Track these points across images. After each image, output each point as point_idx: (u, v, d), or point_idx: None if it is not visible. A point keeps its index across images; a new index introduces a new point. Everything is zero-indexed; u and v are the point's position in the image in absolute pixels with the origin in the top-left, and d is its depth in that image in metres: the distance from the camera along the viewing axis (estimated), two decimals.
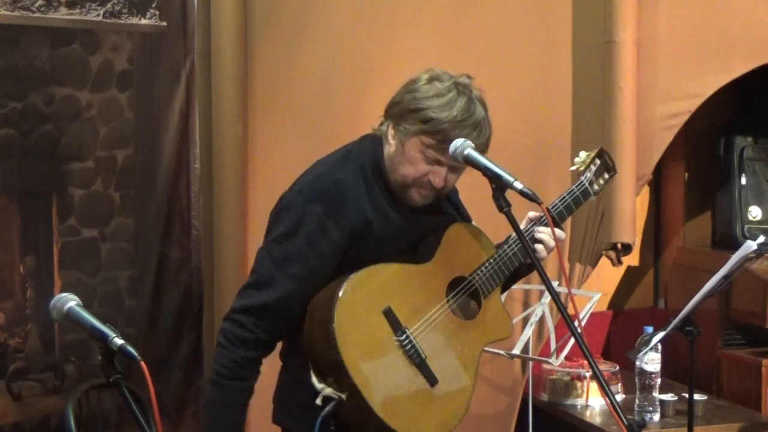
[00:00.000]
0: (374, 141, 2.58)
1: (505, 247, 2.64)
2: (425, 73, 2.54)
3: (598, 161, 2.83)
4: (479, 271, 2.61)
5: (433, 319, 2.54)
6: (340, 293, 2.44)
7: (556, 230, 2.59)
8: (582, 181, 2.79)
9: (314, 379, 2.45)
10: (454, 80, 2.51)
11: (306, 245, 2.47)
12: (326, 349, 2.42)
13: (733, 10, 4.07)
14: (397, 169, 2.52)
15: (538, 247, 2.63)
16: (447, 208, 2.69)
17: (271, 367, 2.62)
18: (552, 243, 2.62)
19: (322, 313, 2.45)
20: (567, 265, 4.02)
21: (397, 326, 2.48)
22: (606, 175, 2.85)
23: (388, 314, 2.48)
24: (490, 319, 2.64)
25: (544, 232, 2.63)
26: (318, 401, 2.42)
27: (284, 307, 2.49)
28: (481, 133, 2.48)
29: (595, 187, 2.82)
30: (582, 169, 2.82)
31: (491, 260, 2.62)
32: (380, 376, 2.45)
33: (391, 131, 2.52)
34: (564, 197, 2.74)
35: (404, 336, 2.48)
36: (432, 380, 2.51)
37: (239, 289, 2.56)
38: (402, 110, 2.50)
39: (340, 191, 2.49)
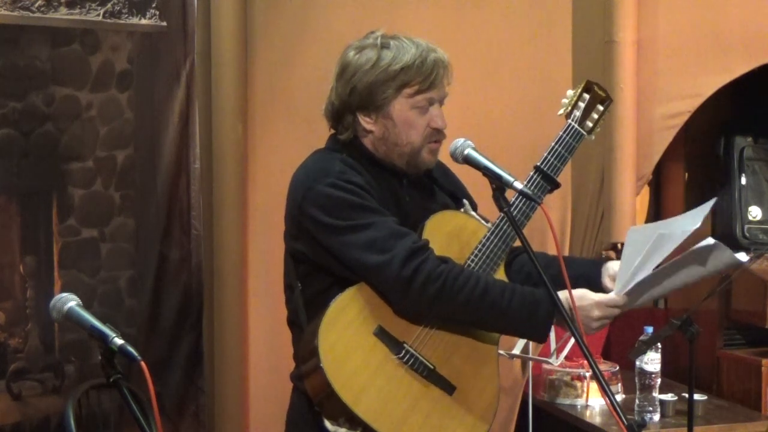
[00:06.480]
0: (344, 139, 2.50)
1: (498, 224, 2.43)
2: (343, 55, 2.48)
3: (586, 96, 2.55)
4: (470, 260, 2.42)
5: (432, 324, 2.39)
6: (320, 328, 2.30)
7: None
8: (569, 124, 2.53)
9: (326, 423, 2.33)
10: (373, 37, 2.46)
11: (351, 200, 2.35)
12: (324, 390, 2.30)
13: (733, 10, 4.06)
14: (399, 142, 2.44)
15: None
16: (438, 195, 2.59)
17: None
18: None
19: (308, 354, 2.32)
20: None
21: (393, 344, 2.34)
22: (600, 107, 2.55)
23: (381, 334, 2.34)
24: None
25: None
26: None
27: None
28: (438, 50, 2.45)
29: (588, 124, 2.54)
30: (569, 110, 2.54)
31: (481, 246, 2.43)
32: (389, 402, 2.32)
33: (365, 119, 2.45)
34: (553, 147, 2.49)
35: (403, 352, 2.35)
36: (448, 388, 2.38)
37: (383, 276, 2.32)
38: (363, 91, 2.43)
39: (347, 164, 2.43)
